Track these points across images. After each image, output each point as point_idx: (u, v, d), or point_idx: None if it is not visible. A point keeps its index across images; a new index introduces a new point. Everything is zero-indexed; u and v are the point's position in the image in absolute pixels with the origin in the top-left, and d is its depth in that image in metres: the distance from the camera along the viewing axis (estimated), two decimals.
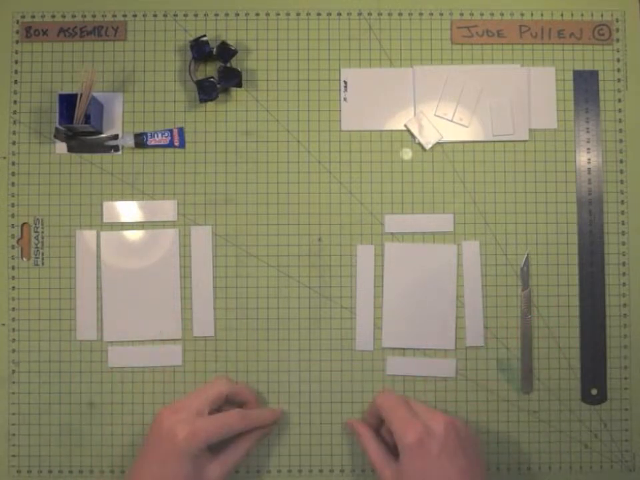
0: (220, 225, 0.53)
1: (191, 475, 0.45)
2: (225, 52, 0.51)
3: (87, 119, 0.50)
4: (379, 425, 0.50)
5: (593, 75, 0.54)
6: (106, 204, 0.53)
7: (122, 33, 0.53)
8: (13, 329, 0.52)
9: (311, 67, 0.54)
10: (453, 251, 0.53)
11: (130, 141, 0.53)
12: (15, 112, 0.53)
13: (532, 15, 0.54)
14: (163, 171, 0.53)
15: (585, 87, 0.54)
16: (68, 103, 0.50)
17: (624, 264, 0.53)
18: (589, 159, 0.53)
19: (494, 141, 0.53)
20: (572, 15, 0.54)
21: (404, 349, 0.52)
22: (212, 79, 0.51)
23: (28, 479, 0.52)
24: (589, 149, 0.53)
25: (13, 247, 0.53)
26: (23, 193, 0.53)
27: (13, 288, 0.52)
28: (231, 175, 0.53)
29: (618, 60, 0.54)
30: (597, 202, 0.53)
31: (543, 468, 0.52)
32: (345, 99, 0.53)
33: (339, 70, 0.54)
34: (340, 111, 0.54)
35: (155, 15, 0.54)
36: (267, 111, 0.54)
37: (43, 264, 0.53)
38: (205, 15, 0.54)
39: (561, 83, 0.54)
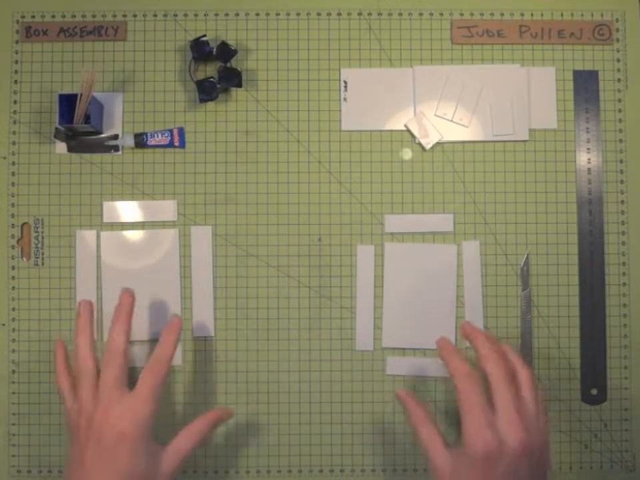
0: (220, 225, 0.53)
1: (144, 467, 0.43)
2: (225, 52, 0.51)
3: (87, 118, 0.50)
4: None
5: (593, 74, 0.54)
6: (106, 204, 0.53)
7: (122, 33, 0.53)
8: (13, 329, 0.52)
9: (311, 67, 0.54)
10: (453, 251, 0.53)
11: (130, 141, 0.53)
12: (15, 112, 0.53)
13: (532, 15, 0.54)
14: (163, 170, 0.53)
15: (585, 86, 0.54)
16: (68, 102, 0.50)
17: (624, 264, 0.53)
18: (589, 159, 0.53)
19: (494, 141, 0.53)
20: (572, 15, 0.54)
21: (404, 348, 0.52)
22: (212, 79, 0.51)
23: (28, 478, 0.52)
24: (588, 148, 0.53)
25: (13, 247, 0.53)
26: (23, 193, 0.53)
27: (13, 288, 0.52)
28: (230, 174, 0.53)
29: (618, 60, 0.54)
30: (597, 202, 0.53)
31: None
32: (344, 99, 0.53)
33: (339, 70, 0.54)
34: (340, 111, 0.54)
35: (155, 15, 0.54)
36: (267, 110, 0.54)
37: (43, 264, 0.53)
38: (204, 15, 0.54)
39: (561, 82, 0.54)
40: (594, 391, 0.52)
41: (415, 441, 0.50)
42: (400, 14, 0.54)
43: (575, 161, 0.53)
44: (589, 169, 0.53)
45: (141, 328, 0.52)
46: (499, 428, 0.41)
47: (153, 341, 0.52)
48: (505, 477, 0.40)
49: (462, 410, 0.42)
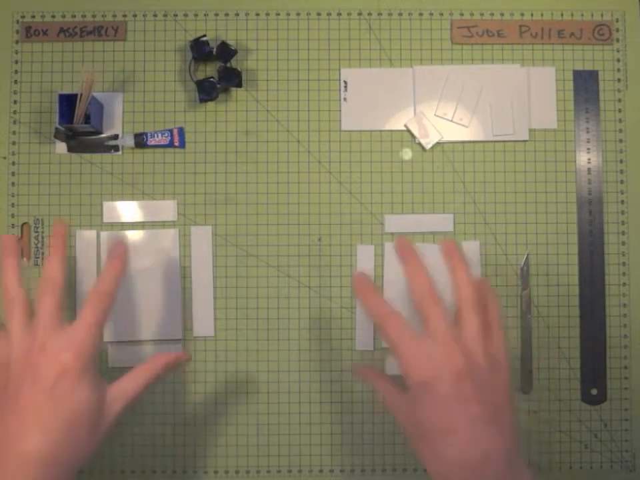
0: (220, 225, 0.53)
1: (92, 407, 0.40)
2: (225, 52, 0.51)
3: (87, 118, 0.50)
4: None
5: (593, 74, 0.54)
6: (106, 204, 0.53)
7: (122, 33, 0.53)
8: None
9: (311, 67, 0.54)
10: None
11: (130, 141, 0.53)
12: (15, 112, 0.53)
13: (532, 15, 0.54)
14: (163, 170, 0.53)
15: (585, 86, 0.54)
16: (68, 102, 0.50)
17: (624, 264, 0.53)
18: (589, 159, 0.53)
19: (494, 141, 0.53)
20: (572, 15, 0.54)
21: None
22: (212, 79, 0.51)
23: None
24: (589, 148, 0.53)
25: None
26: (23, 193, 0.53)
27: None
28: (231, 174, 0.53)
29: (618, 60, 0.54)
30: (597, 202, 0.53)
31: (543, 468, 0.52)
32: (345, 99, 0.53)
33: (339, 70, 0.54)
34: (340, 111, 0.54)
35: (155, 15, 0.54)
36: (267, 110, 0.54)
37: (43, 264, 0.53)
38: (205, 14, 0.54)
39: (561, 83, 0.54)
40: (594, 391, 0.52)
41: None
42: (400, 14, 0.54)
43: (575, 161, 0.53)
44: (589, 169, 0.53)
45: (140, 328, 0.52)
46: (431, 353, 0.39)
47: (153, 341, 0.52)
48: (448, 402, 0.38)
49: (392, 346, 0.40)
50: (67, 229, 0.46)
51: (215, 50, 0.52)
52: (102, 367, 0.52)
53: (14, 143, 0.53)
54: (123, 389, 0.42)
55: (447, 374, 0.39)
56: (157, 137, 0.53)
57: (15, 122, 0.53)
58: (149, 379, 0.43)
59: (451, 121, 0.53)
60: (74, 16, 0.54)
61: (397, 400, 0.42)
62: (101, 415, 0.40)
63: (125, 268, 0.44)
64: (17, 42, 0.53)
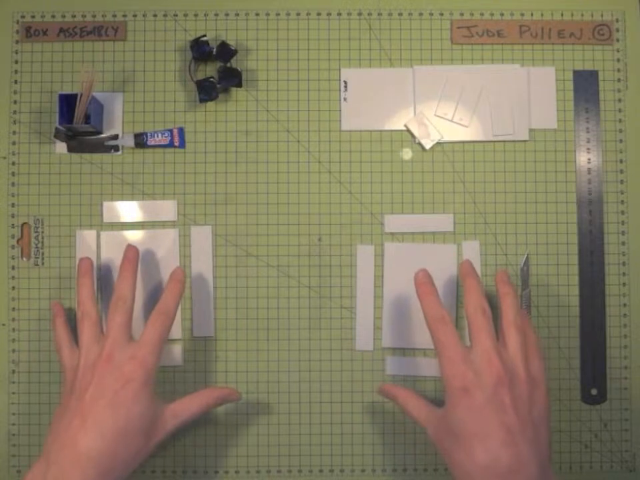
0: (220, 225, 0.53)
1: (146, 420, 0.43)
2: (225, 52, 0.51)
3: (87, 118, 0.50)
4: None
5: (593, 74, 0.54)
6: (106, 204, 0.53)
7: (122, 33, 0.53)
8: (13, 329, 0.52)
9: (311, 67, 0.54)
10: (453, 251, 0.53)
11: (130, 141, 0.53)
12: (14, 112, 0.53)
13: (532, 15, 0.54)
14: (163, 170, 0.53)
15: (585, 86, 0.54)
16: (68, 102, 0.50)
17: (624, 264, 0.53)
18: (589, 159, 0.53)
19: (494, 141, 0.53)
20: (572, 15, 0.54)
21: (404, 348, 0.52)
22: (212, 79, 0.51)
23: None
24: (588, 149, 0.53)
25: (13, 247, 0.53)
26: (23, 193, 0.53)
27: (13, 288, 0.52)
28: (231, 174, 0.53)
29: (618, 60, 0.54)
30: (597, 202, 0.53)
31: None
32: (345, 99, 0.53)
33: (339, 70, 0.54)
34: (340, 111, 0.54)
35: (154, 15, 0.54)
36: (267, 110, 0.54)
37: (42, 264, 0.53)
38: (205, 14, 0.54)
39: (561, 83, 0.54)
40: (594, 391, 0.52)
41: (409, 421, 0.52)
42: (400, 14, 0.54)
43: (575, 161, 0.53)
44: (589, 169, 0.53)
45: (139, 328, 0.52)
46: (474, 363, 0.42)
47: None
48: (485, 407, 0.41)
49: (438, 352, 0.43)
50: (137, 254, 0.49)
51: (214, 50, 0.52)
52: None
53: (14, 143, 0.53)
54: (177, 411, 0.45)
55: (486, 381, 0.41)
56: (157, 136, 0.53)
57: (14, 122, 0.53)
58: (201, 407, 0.46)
59: (451, 121, 0.53)
60: (74, 16, 0.54)
61: (424, 409, 0.45)
62: (154, 429, 0.44)
63: (184, 291, 0.49)
64: (17, 42, 0.53)
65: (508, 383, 0.41)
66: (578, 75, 0.54)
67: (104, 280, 0.52)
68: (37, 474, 0.41)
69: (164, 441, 0.45)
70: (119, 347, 0.44)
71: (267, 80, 0.54)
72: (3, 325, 0.52)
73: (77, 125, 0.50)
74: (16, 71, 0.53)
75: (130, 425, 0.42)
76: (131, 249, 0.49)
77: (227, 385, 0.52)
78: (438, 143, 0.53)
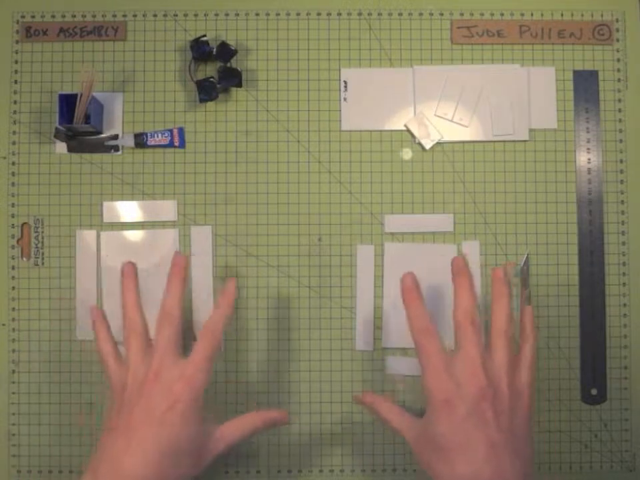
0: (220, 225, 0.53)
1: (193, 445, 0.41)
2: (225, 52, 0.51)
3: (87, 118, 0.50)
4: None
5: (593, 75, 0.54)
6: (106, 204, 0.53)
7: (122, 33, 0.53)
8: (13, 329, 0.52)
9: (311, 67, 0.54)
10: (453, 251, 0.53)
11: (130, 141, 0.53)
12: (14, 112, 0.53)
13: (532, 15, 0.54)
14: (163, 171, 0.53)
15: (585, 86, 0.54)
16: (68, 102, 0.50)
17: (624, 264, 0.53)
18: (589, 159, 0.53)
19: (494, 141, 0.53)
20: (572, 15, 0.54)
21: (404, 348, 0.52)
22: (212, 79, 0.51)
23: (28, 479, 0.52)
24: (588, 149, 0.53)
25: (13, 247, 0.53)
26: (23, 193, 0.53)
27: (13, 288, 0.52)
28: (231, 174, 0.53)
29: (618, 60, 0.54)
30: (597, 202, 0.53)
31: (542, 468, 0.52)
32: (345, 99, 0.53)
33: (339, 70, 0.54)
34: (340, 111, 0.54)
35: (154, 15, 0.54)
36: (267, 110, 0.54)
37: (43, 264, 0.53)
38: (205, 14, 0.54)
39: (561, 83, 0.54)
40: (594, 391, 0.52)
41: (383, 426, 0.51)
42: (400, 14, 0.54)
43: (575, 161, 0.53)
44: (589, 169, 0.53)
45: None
46: (457, 374, 0.41)
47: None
48: (467, 420, 0.40)
49: (421, 363, 0.42)
50: (186, 262, 0.47)
51: (214, 50, 0.52)
52: (103, 368, 0.52)
53: (14, 143, 0.53)
54: (227, 433, 0.44)
55: (469, 394, 0.40)
56: (157, 137, 0.53)
57: (14, 122, 0.53)
58: (252, 430, 0.45)
59: (451, 121, 0.53)
60: (74, 16, 0.54)
61: (406, 420, 0.44)
62: (202, 451, 0.42)
63: (233, 311, 0.47)
64: (17, 42, 0.53)
65: (491, 397, 0.40)
66: (578, 75, 0.54)
67: (103, 280, 0.52)
68: None
69: (213, 462, 0.43)
70: (166, 364, 0.43)
71: (267, 80, 0.54)
72: (3, 325, 0.52)
73: (77, 124, 0.50)
74: (16, 71, 0.53)
75: (176, 447, 0.41)
76: (179, 257, 0.47)
77: (226, 386, 0.52)
78: (438, 143, 0.53)
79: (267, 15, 0.54)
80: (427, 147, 0.53)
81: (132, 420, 0.41)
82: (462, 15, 0.54)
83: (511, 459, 0.39)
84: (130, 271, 0.48)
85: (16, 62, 0.53)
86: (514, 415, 0.41)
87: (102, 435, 0.43)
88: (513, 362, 0.43)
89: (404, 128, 0.53)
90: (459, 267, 0.44)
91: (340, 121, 0.53)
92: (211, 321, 0.45)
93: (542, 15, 0.54)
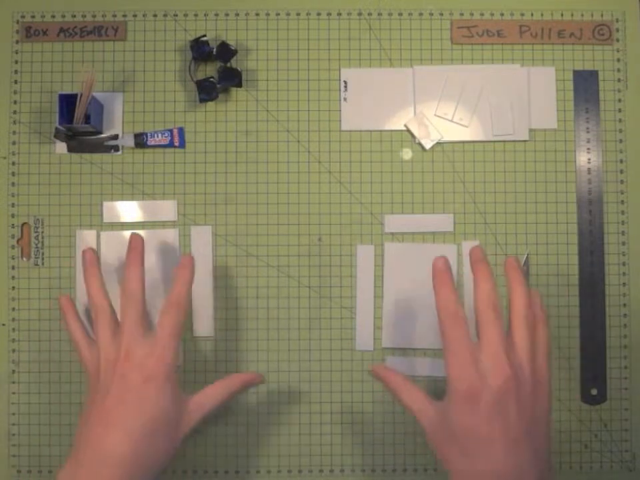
0: (220, 225, 0.53)
1: (171, 416, 0.42)
2: (225, 52, 0.51)
3: (87, 118, 0.50)
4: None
5: (593, 75, 0.54)
6: (106, 204, 0.53)
7: (122, 33, 0.53)
8: (13, 329, 0.52)
9: (311, 67, 0.54)
10: (453, 251, 0.53)
11: (130, 141, 0.53)
12: (15, 112, 0.53)
13: (532, 15, 0.54)
14: (163, 171, 0.53)
15: (585, 86, 0.54)
16: (68, 102, 0.50)
17: (624, 264, 0.53)
18: (589, 159, 0.53)
19: (494, 141, 0.53)
20: (572, 15, 0.54)
21: (404, 348, 0.52)
22: (212, 79, 0.51)
23: (28, 478, 0.52)
24: (588, 149, 0.53)
25: (13, 247, 0.53)
26: (23, 193, 0.53)
27: (13, 288, 0.52)
28: (231, 174, 0.53)
29: (618, 60, 0.54)
30: (597, 202, 0.53)
31: None
32: (345, 99, 0.53)
33: (339, 70, 0.54)
34: (340, 111, 0.54)
35: (154, 15, 0.54)
36: (267, 110, 0.54)
37: (42, 264, 0.53)
38: (205, 14, 0.54)
39: (561, 83, 0.54)
40: (594, 391, 0.52)
41: (402, 408, 0.49)
42: (400, 14, 0.54)
43: (575, 161, 0.53)
44: (589, 169, 0.53)
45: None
46: (481, 363, 0.40)
47: None
48: (490, 414, 0.39)
49: (445, 348, 0.41)
50: (142, 242, 0.47)
51: (214, 50, 0.52)
52: None
53: (14, 143, 0.53)
54: (201, 402, 0.45)
55: (493, 386, 0.39)
56: (157, 137, 0.53)
57: (14, 122, 0.53)
58: (225, 395, 0.46)
59: (451, 121, 0.53)
60: (74, 16, 0.54)
61: (425, 404, 0.43)
62: (180, 423, 0.43)
63: (193, 277, 0.46)
64: (17, 42, 0.53)
65: (515, 388, 0.40)
66: (578, 75, 0.54)
67: (104, 280, 0.52)
68: (67, 474, 0.41)
69: (190, 434, 0.44)
70: (135, 342, 0.43)
71: (267, 80, 0.54)
72: (3, 324, 0.52)
73: (77, 124, 0.50)
74: (16, 71, 0.53)
75: (156, 422, 0.42)
76: (135, 238, 0.47)
77: None
78: (438, 143, 0.53)
79: (267, 15, 0.54)
80: (427, 146, 0.53)
81: (108, 400, 0.42)
82: (462, 15, 0.54)
83: (530, 454, 0.39)
84: (91, 258, 0.47)
85: (16, 62, 0.53)
86: (535, 405, 0.41)
87: (81, 417, 0.44)
88: (533, 348, 0.42)
89: (404, 128, 0.53)
90: (478, 256, 0.43)
91: (340, 121, 0.53)
92: (172, 292, 0.45)
93: (542, 15, 0.54)
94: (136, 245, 0.47)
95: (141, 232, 0.53)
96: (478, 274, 0.43)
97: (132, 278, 0.45)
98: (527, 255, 0.53)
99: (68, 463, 0.42)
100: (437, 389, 0.52)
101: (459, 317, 0.41)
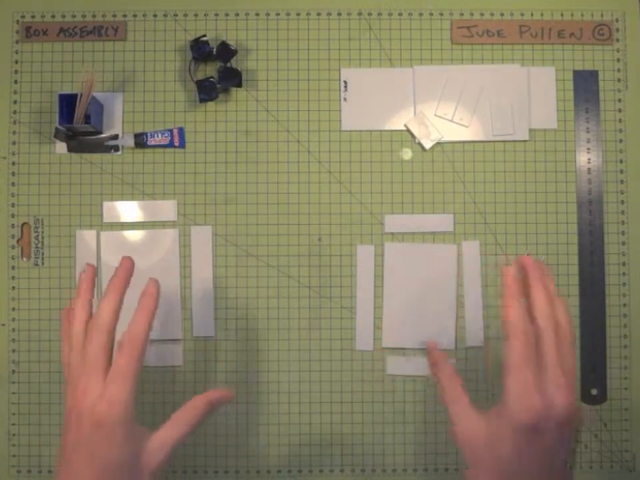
0: (220, 225, 0.53)
1: (126, 459, 0.38)
2: (225, 52, 0.51)
3: (87, 118, 0.50)
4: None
5: (593, 75, 0.54)
6: (106, 204, 0.53)
7: (122, 33, 0.53)
8: (13, 329, 0.52)
9: (311, 67, 0.54)
10: (453, 251, 0.53)
11: (130, 141, 0.53)
12: (15, 112, 0.53)
13: (532, 15, 0.54)
14: (163, 170, 0.53)
15: (585, 86, 0.54)
16: (68, 103, 0.50)
17: (624, 264, 0.53)
18: (589, 159, 0.53)
19: (494, 141, 0.53)
20: (572, 15, 0.54)
21: (404, 348, 0.52)
22: (212, 79, 0.51)
23: (28, 478, 0.52)
24: (589, 149, 0.53)
25: (13, 247, 0.53)
26: (23, 193, 0.53)
27: (13, 288, 0.52)
28: (231, 174, 0.53)
29: (618, 60, 0.54)
30: (597, 202, 0.53)
31: None
32: (345, 99, 0.53)
33: (339, 70, 0.54)
34: (340, 111, 0.54)
35: (154, 15, 0.54)
36: (267, 110, 0.54)
37: (43, 264, 0.53)
38: (205, 15, 0.54)
39: (561, 83, 0.54)
40: (594, 391, 0.52)
41: (438, 397, 0.45)
42: (400, 14, 0.54)
43: (575, 161, 0.53)
44: (589, 169, 0.53)
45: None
46: (547, 392, 0.37)
47: (154, 341, 0.52)
48: (551, 446, 0.36)
49: (509, 366, 0.38)
50: (132, 267, 0.43)
51: (215, 50, 0.52)
52: None
53: (14, 143, 0.53)
54: (163, 440, 0.40)
55: (557, 418, 0.36)
56: (157, 137, 0.53)
57: (15, 122, 0.53)
58: (189, 424, 0.41)
59: (451, 121, 0.53)
60: (74, 16, 0.54)
61: (474, 421, 0.39)
62: (139, 466, 0.39)
63: (157, 306, 0.42)
64: (17, 42, 0.53)
65: (569, 417, 0.37)
66: (578, 74, 0.54)
67: (103, 280, 0.52)
68: None
69: (161, 470, 0.40)
70: (90, 380, 0.39)
71: (267, 80, 0.54)
72: (3, 325, 0.52)
73: (77, 124, 0.50)
74: (16, 71, 0.53)
75: (109, 468, 0.38)
76: (125, 262, 0.42)
77: (226, 386, 0.52)
78: (438, 143, 0.53)
79: (267, 15, 0.54)
80: (427, 146, 0.53)
81: (67, 440, 0.39)
82: (462, 15, 0.54)
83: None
84: (87, 277, 0.43)
85: (16, 62, 0.53)
86: (570, 429, 0.38)
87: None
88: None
89: (404, 128, 0.53)
90: (534, 272, 0.40)
91: (340, 120, 0.53)
92: (130, 327, 0.40)
93: (542, 15, 0.54)
94: (122, 270, 0.42)
95: (141, 232, 0.53)
96: (539, 289, 0.39)
97: (104, 308, 0.41)
98: (527, 255, 0.53)
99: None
100: (437, 389, 0.52)
101: (528, 336, 0.38)
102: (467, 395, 0.41)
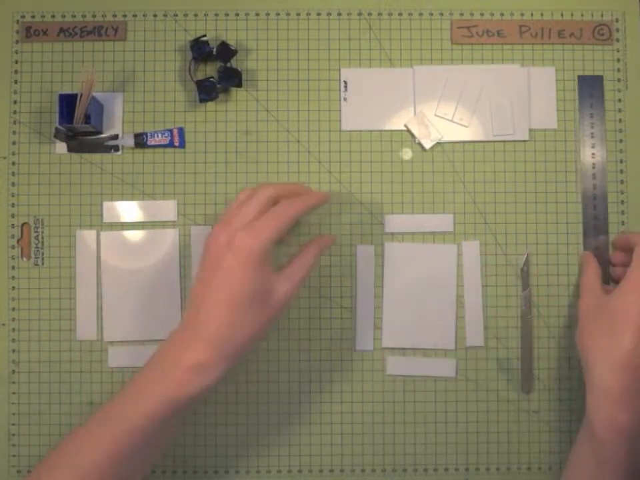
0: None
1: (259, 288, 0.42)
2: (225, 52, 0.51)
3: (87, 118, 0.50)
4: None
5: (598, 79, 0.53)
6: (106, 204, 0.53)
7: (122, 33, 0.53)
8: (13, 329, 0.52)
9: (311, 67, 0.54)
10: (453, 251, 0.53)
11: (130, 141, 0.53)
12: (15, 112, 0.53)
13: (532, 15, 0.54)
14: (163, 170, 0.53)
15: (590, 91, 0.54)
16: (68, 103, 0.50)
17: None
18: (594, 163, 0.53)
19: (494, 141, 0.53)
20: (572, 15, 0.54)
21: (404, 348, 0.52)
22: (212, 79, 0.51)
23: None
24: (593, 154, 0.53)
25: (13, 247, 0.53)
26: (23, 193, 0.53)
27: (13, 288, 0.52)
28: (231, 174, 0.53)
29: (618, 60, 0.54)
30: (602, 198, 0.53)
31: (543, 468, 0.52)
32: (345, 99, 0.53)
33: (339, 70, 0.54)
34: (340, 111, 0.54)
35: (155, 15, 0.54)
36: (267, 110, 0.54)
37: (43, 264, 0.53)
38: (204, 15, 0.54)
39: (561, 82, 0.54)
40: None
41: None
42: (400, 14, 0.54)
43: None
44: (593, 174, 0.53)
45: (141, 328, 0.52)
46: None
47: (154, 341, 0.52)
48: None
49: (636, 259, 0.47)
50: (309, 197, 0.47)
51: (215, 50, 0.52)
52: (103, 368, 0.52)
53: (14, 143, 0.53)
54: (290, 275, 0.45)
55: None
56: (157, 136, 0.53)
57: (15, 122, 0.53)
58: (311, 264, 0.46)
59: (451, 121, 0.53)
60: (74, 16, 0.54)
61: (594, 297, 0.49)
62: (270, 295, 0.43)
63: (318, 204, 0.47)
64: (17, 42, 0.53)
65: None
66: (582, 80, 0.54)
67: (103, 280, 0.52)
68: (177, 333, 0.43)
69: (287, 306, 0.45)
70: (243, 219, 0.43)
71: (267, 80, 0.54)
72: (3, 324, 0.52)
73: (77, 124, 0.50)
74: (16, 71, 0.53)
75: (241, 300, 0.42)
76: (324, 196, 0.48)
77: (226, 386, 0.52)
78: (438, 143, 0.53)
79: (267, 15, 0.54)
80: (427, 146, 0.53)
81: (205, 272, 0.43)
82: (462, 15, 0.54)
83: None
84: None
85: (16, 62, 0.53)
86: None
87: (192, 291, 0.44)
88: None
89: (404, 128, 0.53)
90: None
91: (340, 121, 0.53)
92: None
93: (542, 15, 0.54)
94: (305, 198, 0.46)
95: (141, 232, 0.53)
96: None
97: (286, 202, 0.44)
98: (527, 254, 0.53)
99: (180, 325, 0.43)
100: (437, 389, 0.52)
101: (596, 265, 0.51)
102: (600, 279, 0.50)
